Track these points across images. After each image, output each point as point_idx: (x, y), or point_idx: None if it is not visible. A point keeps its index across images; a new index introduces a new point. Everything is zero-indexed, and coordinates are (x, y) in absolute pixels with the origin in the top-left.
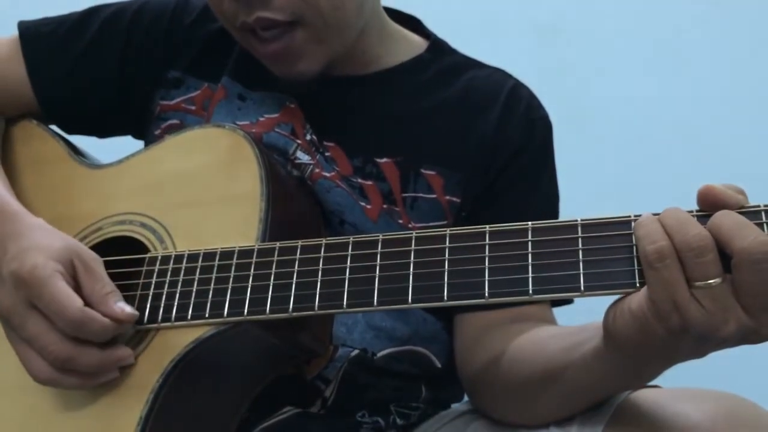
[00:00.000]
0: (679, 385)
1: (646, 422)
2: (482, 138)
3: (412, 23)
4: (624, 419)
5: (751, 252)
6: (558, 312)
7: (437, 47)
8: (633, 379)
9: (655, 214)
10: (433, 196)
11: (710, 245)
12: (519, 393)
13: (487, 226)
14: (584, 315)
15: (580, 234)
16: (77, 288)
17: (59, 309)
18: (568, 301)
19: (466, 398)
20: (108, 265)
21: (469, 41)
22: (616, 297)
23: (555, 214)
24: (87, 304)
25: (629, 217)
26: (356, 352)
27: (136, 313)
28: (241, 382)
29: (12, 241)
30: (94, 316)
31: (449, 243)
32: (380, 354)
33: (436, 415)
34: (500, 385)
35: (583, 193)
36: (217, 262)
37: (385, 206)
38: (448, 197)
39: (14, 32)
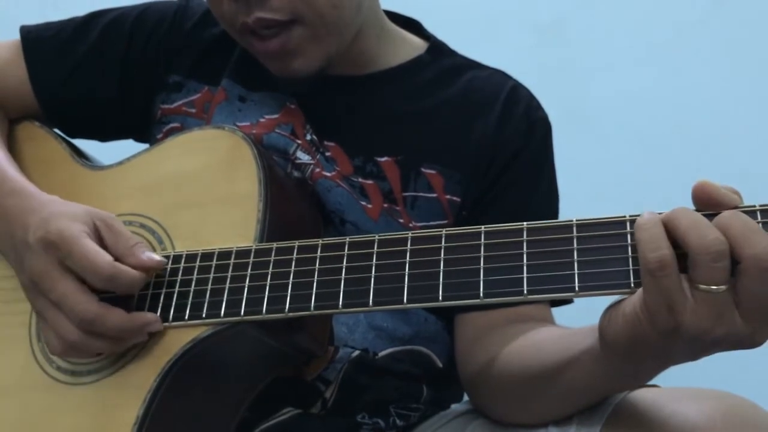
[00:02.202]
0: (679, 385)
1: (645, 422)
2: (482, 138)
3: (412, 25)
4: (622, 419)
5: (761, 259)
6: (557, 312)
7: (437, 49)
8: (629, 381)
9: (657, 214)
10: (434, 195)
11: (726, 252)
12: (517, 393)
13: (483, 226)
14: (583, 314)
15: (575, 234)
16: (103, 247)
17: (90, 264)
18: (567, 301)
19: (465, 398)
20: None
21: (469, 40)
22: (613, 297)
23: (555, 214)
24: (116, 259)
25: (624, 217)
26: (357, 352)
27: (165, 260)
28: (240, 382)
29: (32, 215)
30: (124, 269)
31: (445, 243)
32: (381, 354)
33: (436, 416)
34: (499, 385)
35: (583, 193)
36: (214, 263)
37: (385, 205)
38: (448, 196)
39: (15, 35)
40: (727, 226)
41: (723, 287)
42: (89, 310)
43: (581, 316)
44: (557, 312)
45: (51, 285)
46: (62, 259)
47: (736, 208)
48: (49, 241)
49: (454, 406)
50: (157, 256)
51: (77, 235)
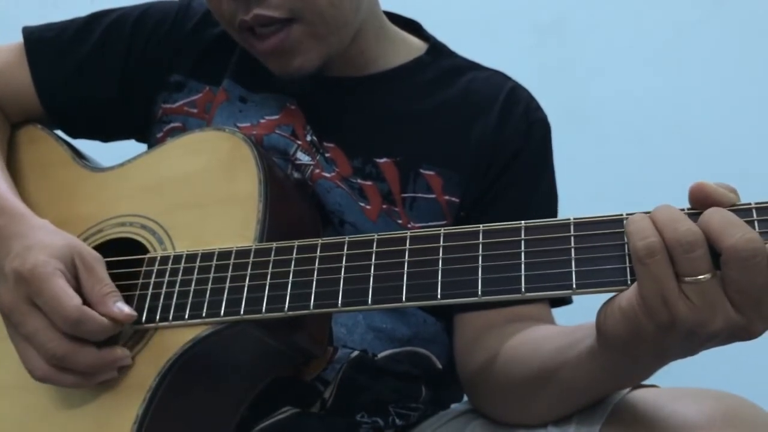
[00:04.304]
0: (678, 385)
1: (644, 421)
2: (481, 139)
3: (412, 26)
4: (621, 418)
5: (737, 249)
6: (557, 312)
7: (437, 50)
8: (627, 378)
9: (646, 213)
10: (432, 196)
11: (700, 241)
12: (516, 393)
13: (481, 225)
14: (583, 315)
15: (572, 233)
16: (78, 287)
17: (57, 307)
18: (566, 301)
19: (465, 398)
20: (107, 265)
21: (470, 40)
22: (610, 295)
23: (554, 214)
24: (87, 303)
25: (621, 215)
26: (356, 353)
27: (135, 313)
28: (239, 382)
29: (16, 241)
30: (92, 315)
31: (443, 242)
32: (381, 355)
33: (435, 415)
34: (497, 384)
35: (583, 193)
36: (214, 263)
37: (384, 206)
38: (447, 197)
39: (16, 35)
40: (707, 221)
41: (706, 276)
42: (60, 347)
43: (581, 317)
44: (557, 312)
45: (21, 319)
46: (31, 295)
47: (733, 206)
48: (21, 276)
49: (453, 406)
50: (127, 309)
51: (50, 273)
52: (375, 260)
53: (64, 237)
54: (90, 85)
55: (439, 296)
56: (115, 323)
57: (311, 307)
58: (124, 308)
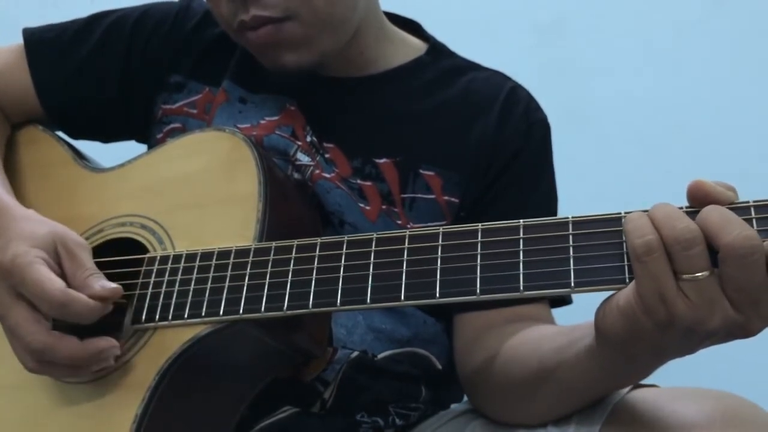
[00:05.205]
0: (678, 385)
1: (644, 421)
2: (481, 139)
3: (412, 26)
4: (621, 418)
5: (735, 247)
6: (557, 312)
7: (437, 50)
8: (626, 377)
9: (644, 211)
10: (432, 196)
11: (698, 238)
12: (515, 392)
13: (480, 224)
14: (582, 315)
15: (570, 231)
16: (63, 274)
17: (40, 293)
18: (566, 302)
19: (465, 398)
20: (107, 265)
21: (470, 40)
22: (608, 293)
23: (553, 214)
24: (70, 287)
25: (619, 214)
26: (356, 353)
27: (119, 287)
28: (239, 382)
29: None
30: (77, 297)
31: (442, 241)
32: (380, 356)
33: (435, 415)
34: (498, 384)
35: (583, 193)
36: (214, 262)
37: (384, 207)
38: (446, 197)
39: (15, 36)
40: (705, 218)
41: (704, 273)
42: (38, 341)
43: (580, 317)
44: (557, 312)
45: (4, 312)
46: (15, 286)
47: (731, 204)
48: (3, 267)
49: (453, 406)
50: (110, 285)
51: (30, 262)
52: (374, 259)
53: (48, 225)
54: (90, 86)
55: (437, 295)
56: (103, 302)
57: (310, 306)
58: (107, 285)
